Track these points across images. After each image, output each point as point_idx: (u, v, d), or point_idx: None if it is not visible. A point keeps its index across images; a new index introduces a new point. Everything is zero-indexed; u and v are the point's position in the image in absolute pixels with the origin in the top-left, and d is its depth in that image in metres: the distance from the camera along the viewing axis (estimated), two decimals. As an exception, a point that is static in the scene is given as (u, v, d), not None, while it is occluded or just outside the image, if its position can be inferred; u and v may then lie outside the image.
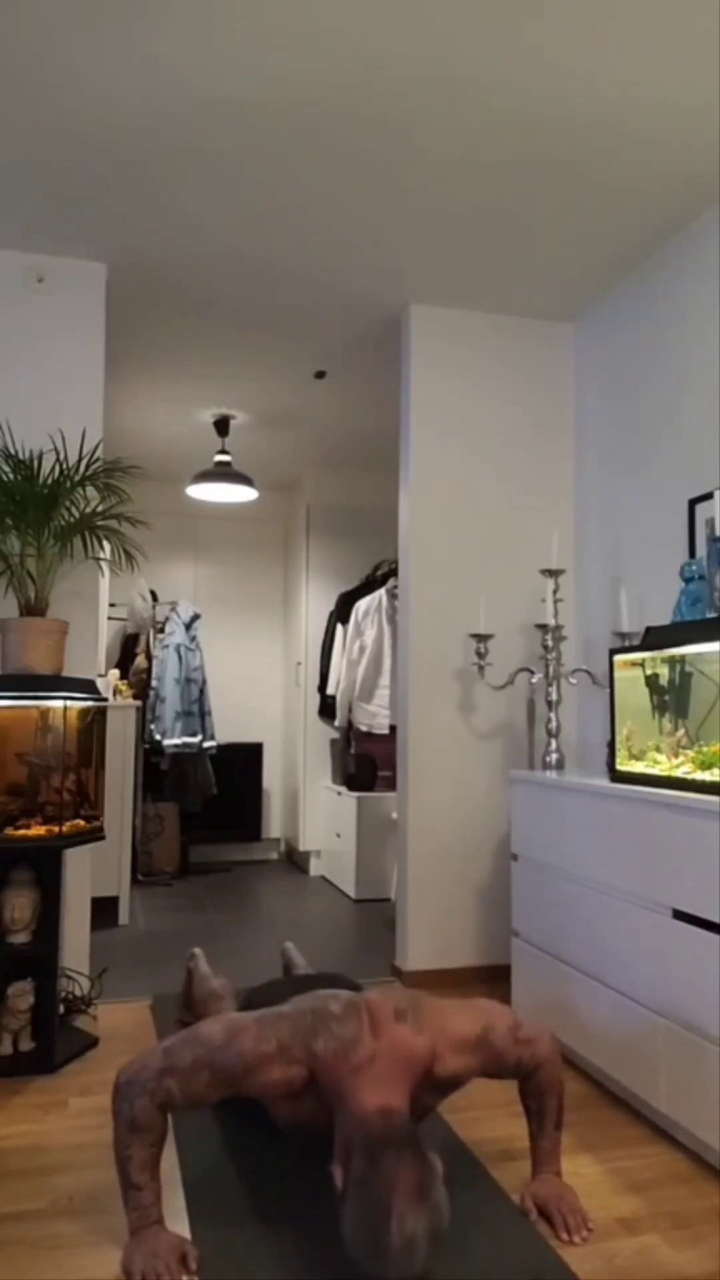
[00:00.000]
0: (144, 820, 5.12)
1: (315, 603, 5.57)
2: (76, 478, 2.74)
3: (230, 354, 3.84)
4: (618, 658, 2.48)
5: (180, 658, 5.20)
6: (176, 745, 5.10)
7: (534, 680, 3.27)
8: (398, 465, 3.54)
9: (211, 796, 5.34)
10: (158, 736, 5.09)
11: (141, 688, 5.20)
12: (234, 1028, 1.61)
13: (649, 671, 2.34)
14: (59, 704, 2.58)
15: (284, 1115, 1.70)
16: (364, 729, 5.01)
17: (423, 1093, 1.65)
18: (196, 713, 5.21)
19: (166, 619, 5.37)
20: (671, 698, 2.25)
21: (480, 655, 3.17)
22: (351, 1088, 1.54)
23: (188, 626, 5.31)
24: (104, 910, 3.89)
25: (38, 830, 2.54)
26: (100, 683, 3.22)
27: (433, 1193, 1.39)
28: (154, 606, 5.44)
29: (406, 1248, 1.33)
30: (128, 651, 5.55)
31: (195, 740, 5.16)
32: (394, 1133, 1.44)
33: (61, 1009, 2.69)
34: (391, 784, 4.70)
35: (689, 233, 2.82)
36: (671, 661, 2.25)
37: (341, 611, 5.34)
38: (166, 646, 5.23)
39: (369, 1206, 1.36)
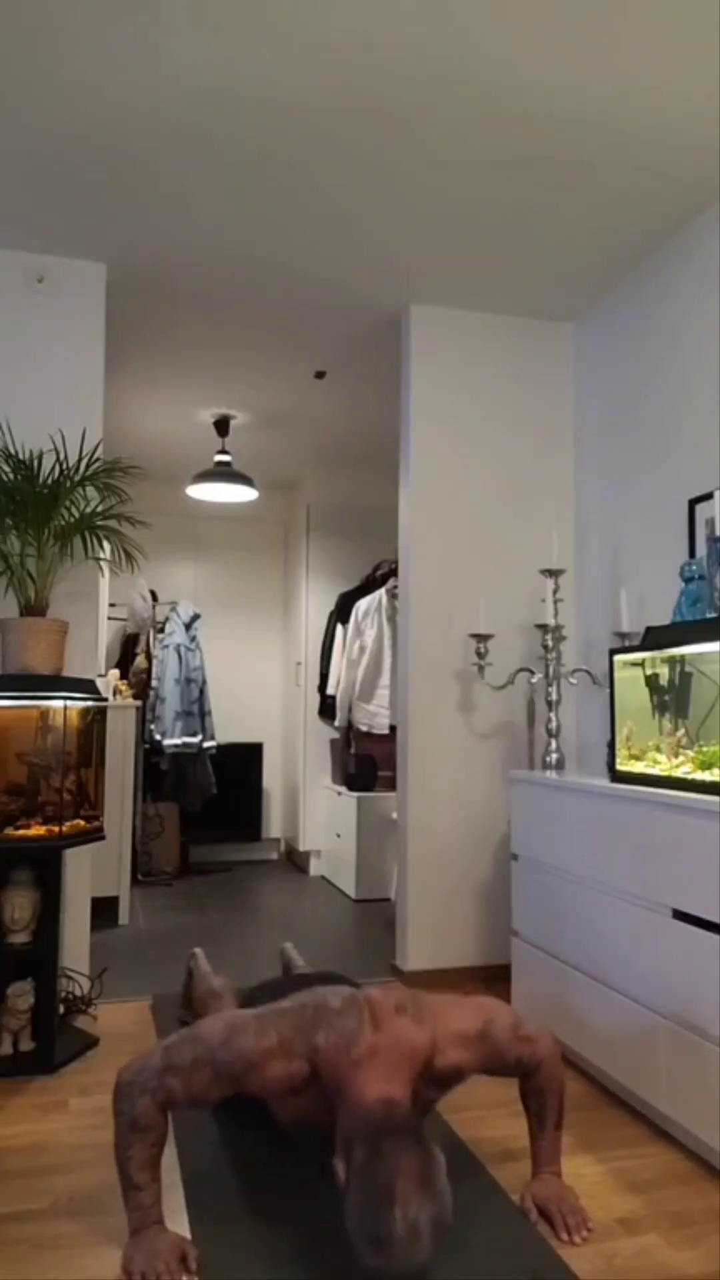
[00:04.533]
0: (144, 820, 5.12)
1: (315, 603, 5.57)
2: (76, 478, 2.74)
3: (230, 354, 3.84)
4: (618, 658, 2.48)
5: (180, 658, 5.20)
6: (176, 745, 5.10)
7: (534, 680, 3.27)
8: (398, 465, 3.54)
9: (211, 796, 5.34)
10: (158, 736, 5.09)
11: (141, 688, 5.20)
12: (234, 1025, 1.61)
13: (649, 671, 2.34)
14: (59, 704, 2.58)
15: (286, 1112, 1.70)
16: (364, 729, 5.01)
17: (423, 1086, 1.65)
18: (196, 713, 5.21)
19: (166, 619, 5.37)
20: (671, 698, 2.25)
21: (480, 655, 3.16)
22: (352, 1080, 1.53)
23: (188, 626, 5.31)
24: (104, 910, 3.89)
25: (38, 830, 2.54)
26: (100, 683, 3.22)
27: (436, 1180, 1.38)
28: (154, 606, 5.44)
29: (410, 1235, 1.31)
30: (128, 651, 5.55)
31: (195, 740, 5.16)
32: (396, 1122, 1.43)
33: (61, 1009, 2.69)
34: (391, 784, 4.69)
35: (689, 232, 2.82)
36: (671, 661, 2.25)
37: (341, 611, 5.34)
38: (166, 646, 5.23)
39: (372, 1195, 1.35)
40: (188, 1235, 1.64)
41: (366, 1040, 1.58)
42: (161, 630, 5.36)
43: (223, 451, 4.75)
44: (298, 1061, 1.58)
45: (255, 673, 6.06)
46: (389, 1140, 1.39)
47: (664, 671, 2.28)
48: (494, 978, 3.17)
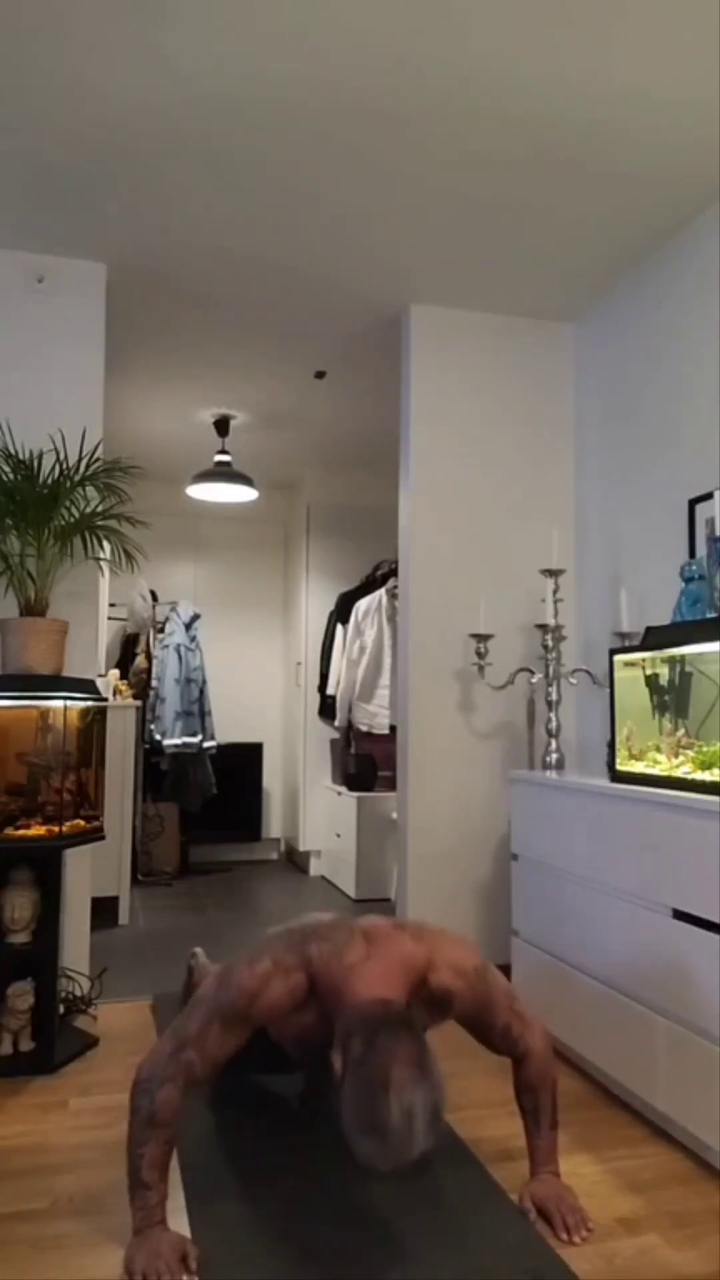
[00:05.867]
0: (144, 820, 5.12)
1: (315, 603, 5.57)
2: (76, 478, 2.74)
3: (230, 354, 3.83)
4: (618, 658, 2.48)
5: (180, 658, 5.20)
6: (176, 745, 5.10)
7: (534, 680, 3.27)
8: (398, 465, 3.54)
9: (211, 796, 5.34)
10: (158, 736, 5.09)
11: (141, 688, 5.20)
12: (225, 969, 1.65)
13: (649, 671, 2.34)
14: (59, 704, 2.58)
15: (291, 1034, 1.71)
16: (364, 729, 5.01)
17: (416, 1004, 1.65)
18: (196, 713, 5.21)
19: (166, 619, 5.37)
20: (671, 698, 2.25)
21: (480, 655, 3.16)
22: (348, 982, 1.55)
23: (188, 626, 5.31)
24: (104, 910, 3.89)
25: (38, 830, 2.54)
26: (100, 683, 3.22)
27: (430, 1068, 1.38)
28: (154, 606, 5.44)
29: (405, 1120, 1.32)
30: (128, 651, 5.55)
31: (195, 740, 5.16)
32: (391, 1016, 1.45)
33: (61, 1009, 2.69)
34: (391, 784, 4.69)
35: (689, 232, 2.82)
36: (671, 661, 2.25)
37: (341, 611, 5.34)
38: (166, 646, 5.23)
39: (367, 1083, 1.35)
40: (188, 1235, 1.64)
41: (359, 948, 1.61)
42: (161, 630, 5.35)
43: (223, 451, 4.75)
44: (295, 974, 1.61)
45: (255, 673, 6.06)
46: (384, 1031, 1.41)
47: (664, 671, 2.28)
48: (494, 978, 3.17)
